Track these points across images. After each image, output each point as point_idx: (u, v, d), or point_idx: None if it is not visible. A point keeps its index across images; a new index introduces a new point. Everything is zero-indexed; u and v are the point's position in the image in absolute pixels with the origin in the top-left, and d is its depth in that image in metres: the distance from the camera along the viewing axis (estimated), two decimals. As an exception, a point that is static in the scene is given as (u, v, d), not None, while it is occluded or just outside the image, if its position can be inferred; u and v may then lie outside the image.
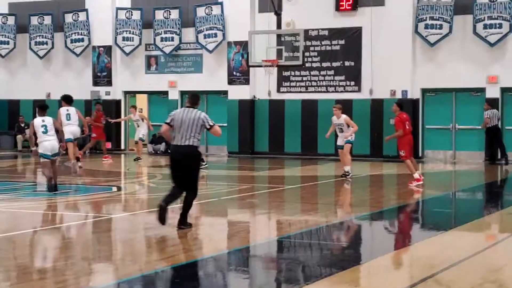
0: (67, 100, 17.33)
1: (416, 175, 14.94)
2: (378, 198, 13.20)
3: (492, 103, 21.51)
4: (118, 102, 26.37)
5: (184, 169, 9.18)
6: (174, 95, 25.44)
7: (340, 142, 16.88)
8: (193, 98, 9.59)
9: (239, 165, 21.30)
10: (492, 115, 21.26)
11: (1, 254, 7.96)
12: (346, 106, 22.57)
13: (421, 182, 14.84)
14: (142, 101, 25.98)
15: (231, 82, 24.63)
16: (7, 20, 27.62)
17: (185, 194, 9.27)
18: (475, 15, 21.79)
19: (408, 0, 22.52)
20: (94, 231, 9.66)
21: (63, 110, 17.04)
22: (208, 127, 9.29)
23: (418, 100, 22.65)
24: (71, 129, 17.01)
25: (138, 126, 22.14)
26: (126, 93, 26.57)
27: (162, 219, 9.05)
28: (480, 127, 21.61)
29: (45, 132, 13.10)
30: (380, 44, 22.69)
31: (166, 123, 9.36)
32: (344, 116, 16.66)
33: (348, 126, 16.62)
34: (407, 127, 15.10)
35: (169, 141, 9.60)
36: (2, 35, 27.59)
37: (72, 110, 17.21)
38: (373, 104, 22.81)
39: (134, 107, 22.51)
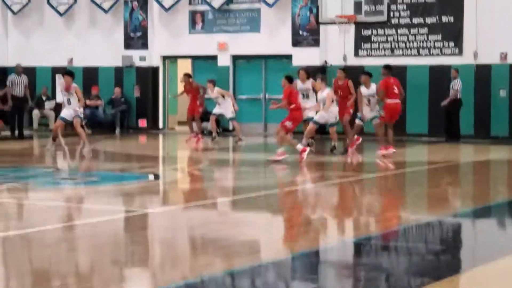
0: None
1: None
2: (484, 190, 13.06)
3: None
4: (155, 70, 26.67)
5: None
6: (224, 60, 25.57)
7: (369, 113, 18.31)
8: None
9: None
10: (460, 86, 21.79)
11: (13, 257, 8.17)
12: (444, 73, 22.35)
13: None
14: (184, 68, 26.21)
15: (296, 43, 24.62)
16: (19, -32, 28.15)
17: None
18: None
19: None
20: (127, 228, 9.83)
21: None
22: None
23: (535, 65, 22.32)
24: None
25: (219, 104, 21.74)
26: (165, 58, 26.84)
27: None
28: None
29: None
30: (487, -6, 22.41)
31: None
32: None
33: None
34: (395, 92, 17.83)
35: None
36: (14, -13, 28.17)
37: None
38: (478, 71, 22.52)
39: (212, 81, 21.79)
